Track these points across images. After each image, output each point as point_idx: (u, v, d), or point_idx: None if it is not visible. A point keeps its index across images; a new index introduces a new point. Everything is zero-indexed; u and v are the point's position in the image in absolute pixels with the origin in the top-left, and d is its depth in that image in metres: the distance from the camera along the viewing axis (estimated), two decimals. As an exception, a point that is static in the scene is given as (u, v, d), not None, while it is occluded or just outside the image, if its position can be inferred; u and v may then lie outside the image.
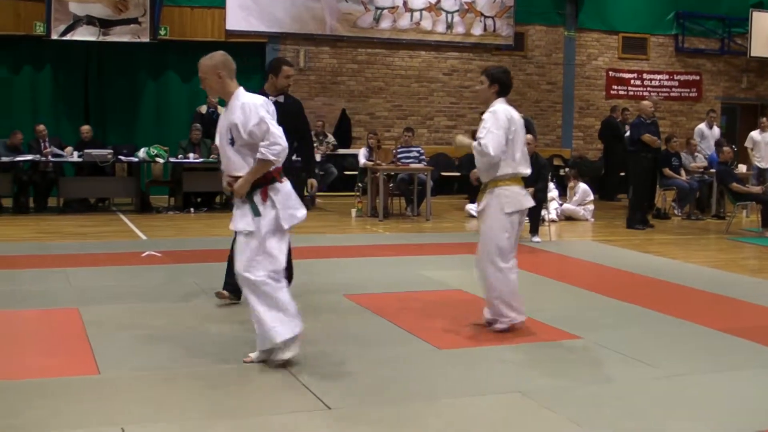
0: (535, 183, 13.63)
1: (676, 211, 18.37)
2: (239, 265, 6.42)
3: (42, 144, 17.39)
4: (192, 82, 21.42)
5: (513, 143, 7.60)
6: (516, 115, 7.68)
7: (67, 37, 20.07)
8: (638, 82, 25.53)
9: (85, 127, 18.43)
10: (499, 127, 7.45)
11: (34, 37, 20.10)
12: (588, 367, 6.72)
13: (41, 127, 17.68)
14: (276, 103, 8.15)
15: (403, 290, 9.53)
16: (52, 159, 17.12)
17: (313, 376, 6.23)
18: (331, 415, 5.46)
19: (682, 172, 18.06)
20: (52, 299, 8.52)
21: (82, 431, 5.15)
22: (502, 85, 7.76)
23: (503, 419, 5.46)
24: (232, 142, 6.49)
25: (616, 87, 25.28)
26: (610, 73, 25.30)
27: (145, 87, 21.61)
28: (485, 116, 7.60)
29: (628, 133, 17.07)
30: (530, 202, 7.89)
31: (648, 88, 25.44)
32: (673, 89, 25.88)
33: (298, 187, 8.14)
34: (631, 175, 16.27)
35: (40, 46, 20.39)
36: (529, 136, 14.51)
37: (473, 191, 17.48)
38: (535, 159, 13.92)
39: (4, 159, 16.77)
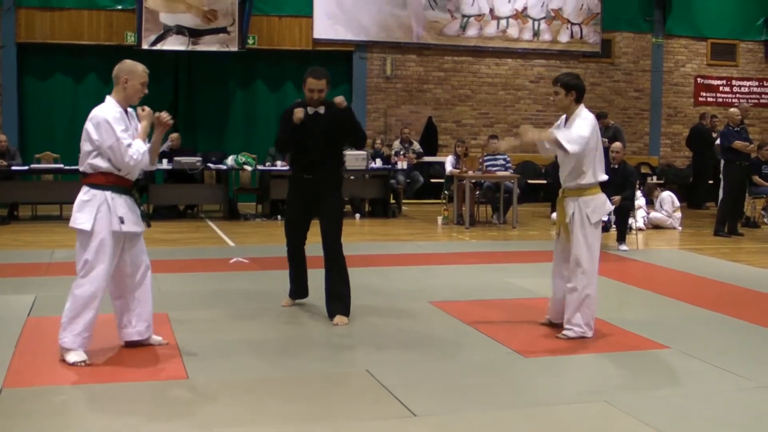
0: (623, 191, 13.56)
1: (765, 220, 18.14)
2: None
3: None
4: (280, 90, 21.69)
5: (595, 148, 7.63)
6: (596, 122, 7.73)
7: (158, 47, 20.38)
8: (727, 89, 25.21)
9: (174, 135, 18.65)
10: (590, 131, 7.52)
11: (125, 47, 20.40)
12: (675, 376, 6.66)
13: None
14: (315, 115, 8.24)
15: (488, 298, 9.53)
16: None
17: (398, 382, 6.27)
18: (417, 421, 5.50)
19: (773, 180, 17.83)
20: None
21: (174, 434, 5.25)
22: (579, 91, 7.77)
23: (590, 428, 5.45)
24: None
25: (704, 94, 25.00)
26: (699, 79, 25.02)
27: (233, 95, 21.85)
28: (576, 122, 7.62)
29: (718, 141, 16.90)
30: (611, 208, 7.95)
31: (737, 95, 25.09)
32: (763, 96, 25.49)
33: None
34: (723, 183, 16.07)
35: (131, 55, 20.52)
36: (618, 144, 14.54)
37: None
38: (622, 167, 13.91)
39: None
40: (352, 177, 18.11)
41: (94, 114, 6.69)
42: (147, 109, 7.02)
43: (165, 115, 6.97)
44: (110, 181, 6.71)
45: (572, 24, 23.51)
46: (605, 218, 14.46)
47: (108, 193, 6.70)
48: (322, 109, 8.31)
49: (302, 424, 5.41)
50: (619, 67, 24.38)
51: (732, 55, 25.26)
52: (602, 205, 7.75)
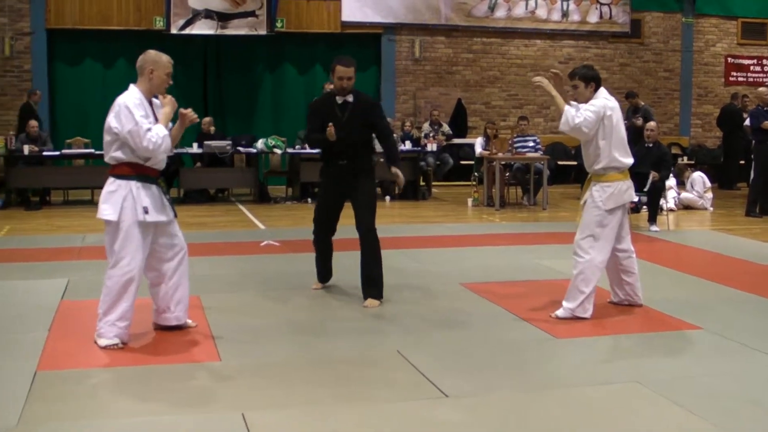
0: (658, 169, 13.52)
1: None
2: None
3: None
4: (308, 73, 21.70)
5: (610, 133, 7.61)
6: (615, 104, 7.73)
7: (186, 31, 20.45)
8: (758, 68, 25.03)
9: (207, 119, 18.68)
10: (593, 116, 7.57)
11: (154, 31, 20.49)
12: (707, 357, 6.66)
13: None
14: (344, 104, 8.39)
15: (519, 279, 9.54)
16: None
17: (429, 363, 6.29)
18: (449, 402, 5.51)
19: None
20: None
21: (204, 416, 5.29)
22: (597, 81, 7.81)
23: (622, 408, 5.44)
24: None
25: (735, 74, 24.84)
26: (729, 59, 24.86)
27: (262, 79, 21.88)
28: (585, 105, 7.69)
29: (747, 122, 16.80)
30: (632, 197, 7.91)
31: (768, 74, 24.97)
32: (795, 75, 25.34)
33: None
34: (755, 163, 15.96)
35: (160, 40, 20.69)
36: (652, 123, 14.51)
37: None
38: (657, 146, 13.88)
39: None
40: (381, 159, 18.06)
41: (116, 102, 6.73)
42: (169, 96, 7.03)
43: (191, 113, 6.98)
44: (135, 171, 6.75)
45: (601, 4, 23.39)
46: (635, 199, 14.55)
47: (133, 183, 6.73)
48: (350, 98, 8.44)
49: (333, 406, 5.44)
50: (649, 47, 24.26)
51: (763, 34, 25.07)
52: (621, 193, 7.69)
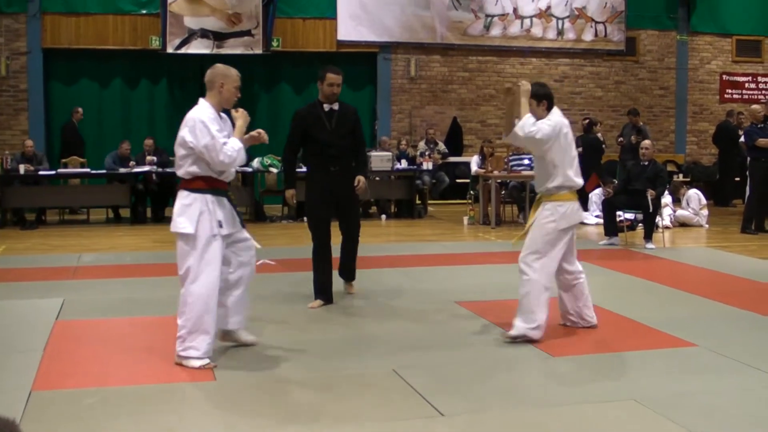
0: (654, 187, 13.54)
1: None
2: None
3: (146, 156, 17.68)
4: (305, 92, 21.70)
5: (566, 150, 7.61)
6: (568, 123, 7.74)
7: (182, 51, 20.50)
8: (753, 86, 25.10)
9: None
10: (550, 125, 7.56)
11: (150, 51, 20.55)
12: (704, 374, 6.64)
13: (149, 141, 18.01)
14: (330, 111, 8.84)
15: (515, 297, 9.47)
16: (160, 170, 17.28)
17: (425, 381, 6.29)
18: (444, 421, 5.50)
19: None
20: (169, 306, 8.63)
21: (202, 435, 5.28)
22: (549, 98, 7.78)
23: (618, 426, 5.44)
24: None
25: (730, 91, 24.91)
26: (724, 76, 24.93)
27: (258, 98, 21.91)
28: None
29: (742, 139, 16.84)
30: (582, 217, 7.93)
31: (763, 92, 24.96)
32: (790, 92, 25.40)
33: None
34: (750, 180, 15.99)
35: (156, 59, 20.85)
36: (647, 142, 14.55)
37: (584, 200, 17.44)
38: (652, 164, 13.90)
39: (122, 170, 17.18)
40: (377, 178, 18.13)
41: (189, 117, 6.80)
42: (241, 110, 7.15)
43: (264, 135, 7.19)
44: (209, 185, 6.82)
45: (596, 22, 23.47)
46: (630, 216, 14.56)
47: (208, 197, 6.79)
48: (336, 106, 8.90)
49: (330, 425, 5.43)
50: (644, 65, 24.33)
51: (757, 52, 25.14)
52: (573, 213, 7.67)
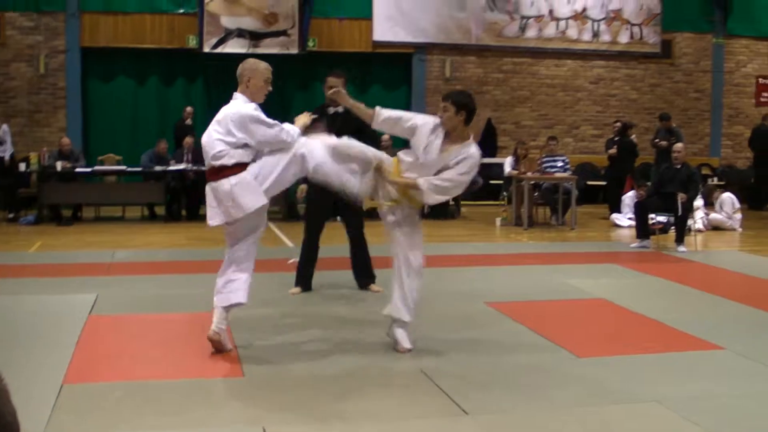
0: (686, 191, 13.51)
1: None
2: None
3: (185, 156, 17.82)
4: (340, 93, 21.66)
5: None
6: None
7: (219, 50, 20.63)
8: (789, 90, 24.99)
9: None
10: (470, 177, 7.35)
11: (186, 50, 20.69)
12: (730, 377, 6.64)
13: (188, 140, 18.10)
14: (335, 114, 9.22)
15: (545, 299, 9.54)
16: (195, 168, 17.36)
17: (451, 381, 6.32)
18: (469, 420, 5.55)
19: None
20: (201, 303, 8.70)
21: (225, 430, 5.36)
22: (469, 112, 7.11)
23: (641, 428, 5.47)
24: None
25: (766, 94, 24.78)
26: (760, 80, 24.80)
27: (293, 97, 21.98)
28: (462, 160, 7.13)
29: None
30: None
31: (799, 95, 24.89)
32: (826, 96, 25.24)
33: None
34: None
35: (192, 59, 20.98)
36: (680, 145, 14.51)
37: (616, 200, 17.42)
38: (685, 167, 13.88)
39: (157, 168, 17.32)
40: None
41: (231, 112, 6.91)
42: (306, 114, 7.53)
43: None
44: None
45: (632, 24, 23.43)
46: (663, 219, 14.53)
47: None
48: (341, 109, 9.10)
49: (355, 422, 5.48)
50: (680, 67, 24.25)
51: (794, 55, 25.01)
52: None
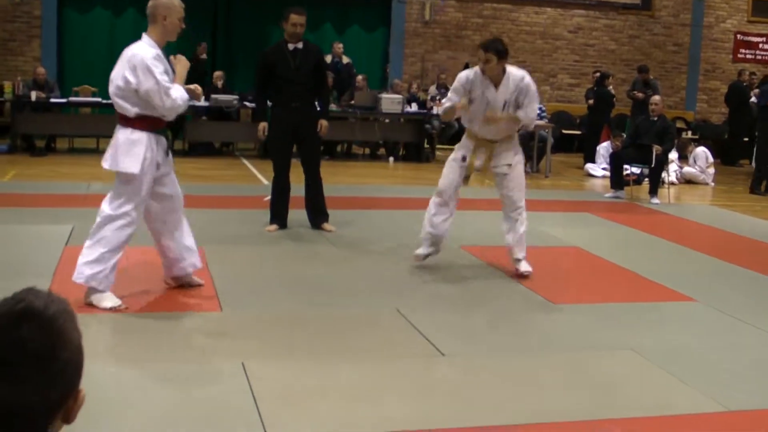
0: (661, 143, 13.58)
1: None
2: None
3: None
4: (318, 30, 21.56)
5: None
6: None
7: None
8: (767, 47, 24.99)
9: (218, 74, 18.83)
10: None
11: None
12: (700, 328, 6.74)
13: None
14: (294, 50, 9.42)
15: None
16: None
17: (428, 323, 6.38)
18: (445, 361, 5.62)
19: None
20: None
21: (204, 364, 5.40)
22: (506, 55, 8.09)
23: (615, 374, 5.55)
24: None
25: (743, 51, 24.78)
26: (738, 36, 24.80)
27: (271, 34, 21.75)
28: (530, 95, 8.18)
29: (753, 99, 16.82)
30: None
31: (777, 53, 24.94)
32: (804, 54, 25.29)
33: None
34: (759, 140, 15.99)
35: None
36: (657, 97, 14.55)
37: (591, 150, 17.47)
38: (661, 120, 13.93)
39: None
40: (387, 120, 18.18)
41: (131, 54, 6.43)
42: (180, 56, 6.83)
43: (199, 91, 6.98)
44: (151, 125, 6.52)
45: (613, -25, 23.37)
46: (637, 171, 14.61)
47: (152, 137, 6.52)
48: (300, 45, 9.45)
49: (330, 359, 5.54)
50: (659, 20, 24.21)
51: (773, 12, 25.02)
52: None
